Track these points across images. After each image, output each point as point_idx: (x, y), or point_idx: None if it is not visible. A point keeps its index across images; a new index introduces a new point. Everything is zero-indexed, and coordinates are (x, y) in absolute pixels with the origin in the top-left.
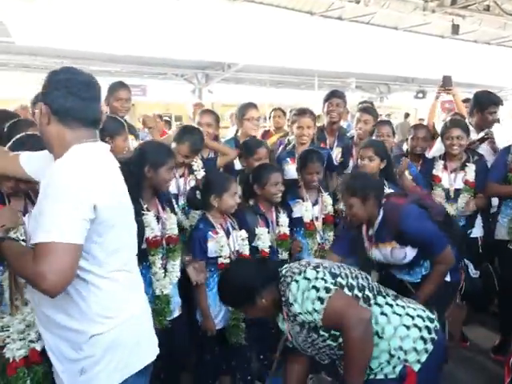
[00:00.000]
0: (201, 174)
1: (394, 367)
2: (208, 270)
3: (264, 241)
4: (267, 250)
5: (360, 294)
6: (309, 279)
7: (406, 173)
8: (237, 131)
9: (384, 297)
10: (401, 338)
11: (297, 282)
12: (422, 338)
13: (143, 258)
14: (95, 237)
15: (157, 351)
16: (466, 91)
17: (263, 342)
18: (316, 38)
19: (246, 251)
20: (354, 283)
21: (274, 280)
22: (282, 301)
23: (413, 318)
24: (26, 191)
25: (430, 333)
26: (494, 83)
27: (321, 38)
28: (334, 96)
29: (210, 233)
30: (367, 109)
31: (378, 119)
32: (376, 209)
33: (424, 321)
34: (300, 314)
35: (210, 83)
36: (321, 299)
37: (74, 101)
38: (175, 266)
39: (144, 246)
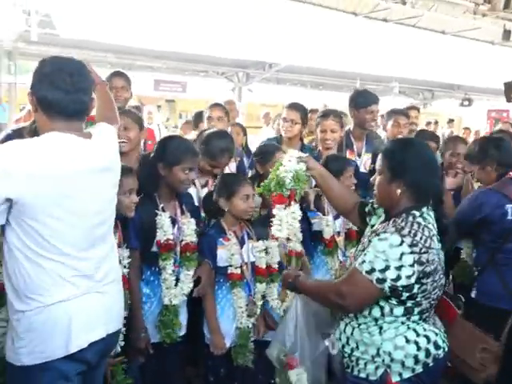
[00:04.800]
0: None
1: (377, 368)
2: (216, 281)
3: (273, 255)
4: (275, 266)
5: (409, 305)
6: (396, 258)
7: None
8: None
9: (421, 318)
10: (395, 346)
11: (401, 243)
12: (415, 357)
13: (152, 262)
14: (22, 222)
15: (94, 338)
16: None
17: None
18: (359, 39)
19: (263, 264)
20: (419, 298)
21: (420, 201)
22: (390, 216)
23: (418, 335)
24: None
25: (426, 356)
26: None
27: (364, 40)
28: (375, 102)
29: (220, 239)
30: (404, 111)
31: (418, 127)
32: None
33: (428, 343)
34: (370, 242)
35: (251, 82)
36: (371, 270)
37: (56, 94)
38: (189, 276)
39: (154, 248)
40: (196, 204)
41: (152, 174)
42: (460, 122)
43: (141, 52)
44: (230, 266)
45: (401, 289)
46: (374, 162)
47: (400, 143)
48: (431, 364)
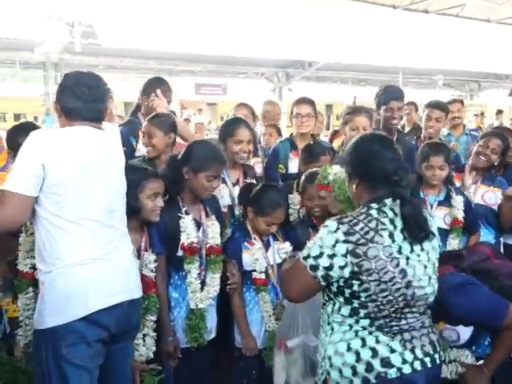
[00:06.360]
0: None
1: (322, 373)
2: (244, 284)
3: None
4: None
5: (355, 305)
6: (329, 245)
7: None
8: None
9: (372, 325)
10: (336, 351)
11: (336, 230)
12: (353, 367)
13: (179, 266)
14: (47, 191)
15: (111, 302)
16: None
17: None
18: (400, 33)
19: None
20: (363, 298)
21: (376, 190)
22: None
23: (363, 345)
24: None
25: (368, 371)
26: None
27: (405, 32)
28: (394, 99)
29: (245, 243)
30: (438, 104)
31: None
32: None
33: (373, 357)
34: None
35: (291, 82)
36: (308, 256)
37: (77, 103)
38: (215, 280)
39: (180, 253)
40: (229, 203)
41: (176, 176)
42: (510, 113)
43: (181, 57)
44: (254, 270)
45: (342, 284)
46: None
47: (352, 143)
48: (373, 381)
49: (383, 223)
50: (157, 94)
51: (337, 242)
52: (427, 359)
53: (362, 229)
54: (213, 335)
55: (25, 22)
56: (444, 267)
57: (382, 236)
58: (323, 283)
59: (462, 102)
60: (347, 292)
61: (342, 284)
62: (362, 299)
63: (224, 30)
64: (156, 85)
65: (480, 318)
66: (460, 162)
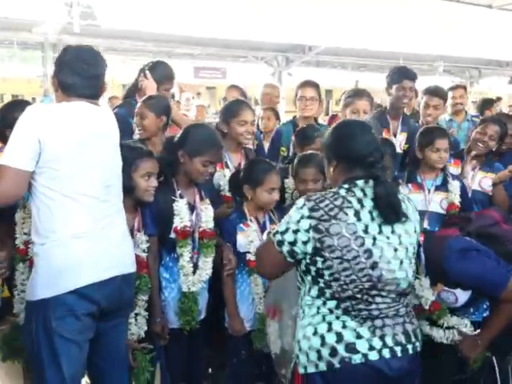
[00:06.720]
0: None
1: (293, 357)
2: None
3: None
4: None
5: (321, 285)
6: (295, 221)
7: None
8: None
9: (338, 307)
10: (304, 335)
11: (302, 206)
12: (318, 351)
13: (171, 248)
14: (44, 166)
15: (102, 277)
16: None
17: None
18: (400, 18)
19: None
20: (327, 276)
21: (352, 170)
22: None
23: (329, 330)
24: None
25: (332, 355)
26: None
27: (405, 18)
28: (407, 78)
29: (241, 225)
30: (437, 91)
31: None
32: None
33: (338, 342)
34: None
35: (290, 66)
36: (276, 232)
37: (75, 79)
38: (207, 263)
39: (172, 235)
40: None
41: (172, 158)
42: (509, 100)
43: (180, 39)
44: (249, 252)
45: (308, 261)
46: (408, 141)
47: (331, 127)
48: (337, 366)
49: (349, 201)
50: (146, 74)
51: (302, 217)
52: (398, 348)
53: (326, 205)
54: (203, 316)
55: (23, 2)
56: (449, 230)
57: (346, 214)
58: (289, 259)
59: (465, 87)
60: (313, 270)
61: (308, 261)
62: (326, 277)
63: (224, 13)
64: (154, 68)
65: (478, 285)
66: (458, 148)
